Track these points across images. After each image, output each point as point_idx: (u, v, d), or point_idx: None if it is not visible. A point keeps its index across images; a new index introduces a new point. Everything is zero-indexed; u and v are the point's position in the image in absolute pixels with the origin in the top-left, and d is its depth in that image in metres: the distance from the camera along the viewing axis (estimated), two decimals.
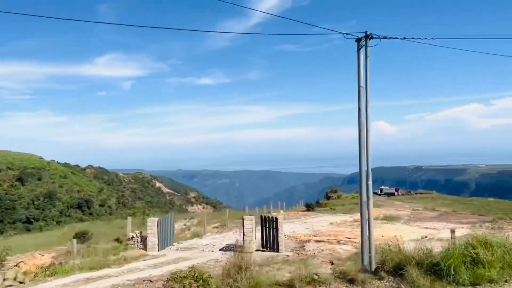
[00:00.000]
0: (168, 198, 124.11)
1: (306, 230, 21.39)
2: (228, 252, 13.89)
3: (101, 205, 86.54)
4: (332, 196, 53.25)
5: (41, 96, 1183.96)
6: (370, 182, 9.96)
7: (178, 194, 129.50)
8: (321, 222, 25.33)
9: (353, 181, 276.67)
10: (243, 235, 15.19)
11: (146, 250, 15.90)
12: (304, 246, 15.93)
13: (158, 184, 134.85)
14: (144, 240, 16.61)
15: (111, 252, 15.36)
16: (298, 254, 14.18)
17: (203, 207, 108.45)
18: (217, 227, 24.28)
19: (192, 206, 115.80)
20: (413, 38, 10.39)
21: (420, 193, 57.02)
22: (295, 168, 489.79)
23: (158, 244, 16.06)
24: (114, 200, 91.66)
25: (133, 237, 17.04)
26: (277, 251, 14.64)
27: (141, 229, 18.79)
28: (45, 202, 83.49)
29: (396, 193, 56.40)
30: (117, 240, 18.45)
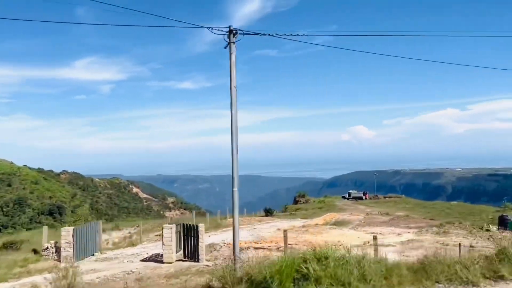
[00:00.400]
0: (145, 203, 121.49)
1: (251, 237, 20.97)
2: (149, 263, 13.53)
3: (73, 212, 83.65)
4: (300, 201, 53.62)
5: (18, 100, 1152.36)
6: (235, 189, 9.64)
7: (156, 200, 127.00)
8: (271, 228, 25.16)
9: (334, 185, 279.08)
10: (162, 244, 14.52)
11: (60, 262, 14.90)
12: (242, 253, 15.62)
13: (135, 190, 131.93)
14: (59, 251, 15.72)
15: (18, 264, 14.45)
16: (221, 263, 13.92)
17: (181, 213, 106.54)
18: (159, 235, 23.42)
19: (170, 211, 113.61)
20: (277, 34, 9.99)
21: (389, 197, 57.87)
22: (277, 173, 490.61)
23: (73, 255, 15.17)
24: (87, 206, 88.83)
25: (47, 247, 16.13)
26: (197, 260, 14.15)
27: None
28: (14, 209, 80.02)
29: (364, 197, 56.79)
30: (34, 251, 17.33)
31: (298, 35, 9.95)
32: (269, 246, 16.96)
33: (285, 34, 9.90)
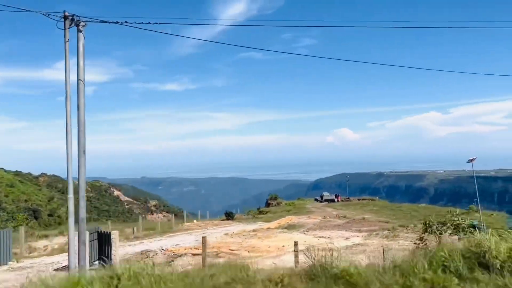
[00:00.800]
0: (126, 206, 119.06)
1: (195, 242, 20.23)
2: (61, 272, 12.61)
3: (50, 215, 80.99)
4: (272, 204, 53.30)
5: None
6: (71, 196, 8.92)
7: (137, 203, 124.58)
8: (221, 233, 24.59)
9: (318, 187, 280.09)
10: (68, 252, 13.69)
11: None
12: (173, 260, 14.85)
13: (116, 192, 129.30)
14: None
15: None
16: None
17: (163, 215, 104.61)
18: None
19: (152, 214, 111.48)
20: (126, 22, 9.15)
21: (363, 199, 58.11)
22: (262, 175, 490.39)
23: None
24: (64, 209, 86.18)
25: None
26: None
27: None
28: None
29: (336, 200, 56.63)
30: None
31: (150, 23, 9.17)
32: (208, 252, 16.64)
33: (135, 22, 9.15)
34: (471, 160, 15.32)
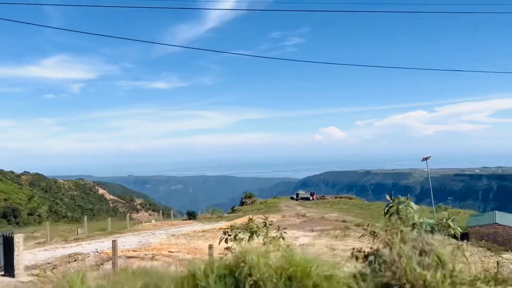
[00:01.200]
0: (111, 205, 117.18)
1: (138, 243, 19.59)
2: None
3: (30, 214, 79.09)
4: (246, 202, 52.81)
5: None
6: None
7: (123, 201, 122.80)
8: (171, 234, 23.87)
9: (306, 185, 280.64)
10: None
11: None
12: (103, 264, 14.27)
13: (101, 191, 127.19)
14: None
15: None
16: (43, 278, 12.61)
17: (149, 214, 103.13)
18: (42, 242, 21.14)
19: (138, 213, 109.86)
20: None
21: (340, 197, 58.22)
22: (250, 173, 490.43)
23: None
24: (45, 208, 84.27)
25: None
26: (13, 276, 12.85)
27: None
28: None
29: (311, 198, 56.34)
30: None
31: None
32: (145, 255, 16.01)
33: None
34: (426, 159, 14.94)
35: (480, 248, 20.16)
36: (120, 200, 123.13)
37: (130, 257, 15.19)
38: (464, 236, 23.57)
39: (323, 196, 58.56)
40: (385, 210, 5.48)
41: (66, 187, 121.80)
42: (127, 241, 20.22)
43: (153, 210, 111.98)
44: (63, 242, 20.27)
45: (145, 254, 15.71)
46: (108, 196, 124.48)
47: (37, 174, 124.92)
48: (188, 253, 15.90)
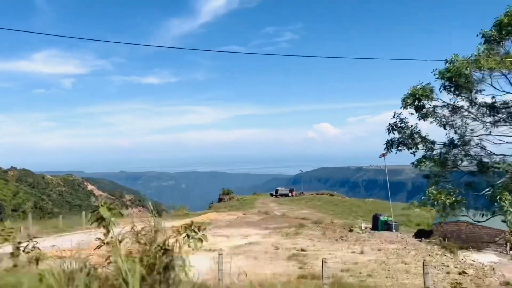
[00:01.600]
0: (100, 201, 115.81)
1: (76, 243, 18.68)
2: None
3: (14, 210, 77.39)
4: (224, 199, 52.40)
5: None
6: None
7: (112, 197, 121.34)
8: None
9: (298, 181, 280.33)
10: None
11: None
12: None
13: (90, 187, 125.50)
14: None
15: None
16: None
17: (139, 210, 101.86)
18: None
19: (127, 209, 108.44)
20: None
21: (322, 194, 58.01)
22: (242, 169, 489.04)
23: None
24: (30, 204, 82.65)
25: None
26: None
27: None
28: None
29: (290, 194, 55.71)
30: None
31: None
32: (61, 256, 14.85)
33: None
34: (383, 155, 14.26)
35: (436, 246, 19.82)
36: (109, 196, 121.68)
37: (61, 257, 14.26)
38: (429, 234, 22.84)
39: (302, 193, 58.09)
40: None
41: (54, 183, 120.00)
42: (69, 241, 19.38)
43: (143, 207, 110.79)
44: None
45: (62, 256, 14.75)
46: (97, 192, 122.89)
47: (24, 169, 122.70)
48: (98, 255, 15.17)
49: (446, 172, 9.45)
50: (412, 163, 9.69)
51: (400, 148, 9.77)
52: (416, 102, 9.30)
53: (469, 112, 9.25)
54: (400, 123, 9.82)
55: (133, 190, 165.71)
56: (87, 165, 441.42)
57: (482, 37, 8.94)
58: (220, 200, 50.18)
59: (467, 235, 21.71)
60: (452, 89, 8.95)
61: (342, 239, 20.81)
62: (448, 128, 9.51)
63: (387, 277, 14.09)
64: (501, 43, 8.66)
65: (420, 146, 9.60)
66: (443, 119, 9.48)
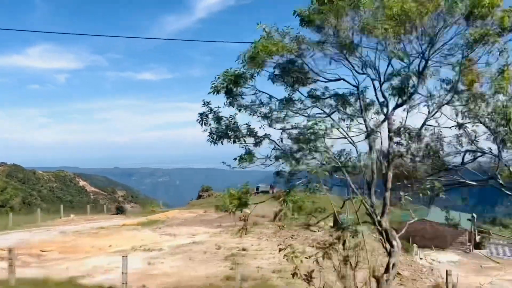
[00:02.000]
0: (92, 197, 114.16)
1: (19, 240, 18.77)
2: None
3: (1, 206, 75.46)
4: (203, 196, 51.26)
5: None
6: None
7: (104, 193, 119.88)
8: (61, 231, 22.60)
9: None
10: None
11: None
12: None
13: (82, 183, 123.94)
14: None
15: None
16: None
17: (131, 206, 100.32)
18: None
19: (120, 205, 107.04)
20: None
21: None
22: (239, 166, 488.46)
23: None
24: (18, 200, 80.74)
25: None
26: None
27: None
28: None
29: (270, 191, 54.03)
30: None
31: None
32: None
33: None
34: None
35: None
36: (101, 192, 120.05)
37: (3, 257, 13.43)
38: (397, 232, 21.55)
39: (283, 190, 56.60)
40: None
41: (46, 178, 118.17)
42: (12, 238, 18.94)
43: (135, 203, 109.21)
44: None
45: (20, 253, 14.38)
46: (89, 188, 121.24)
47: (14, 165, 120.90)
48: (60, 252, 15.23)
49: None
50: (235, 159, 8.82)
51: (221, 140, 8.66)
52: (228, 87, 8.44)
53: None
54: (210, 113, 8.68)
55: (126, 186, 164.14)
56: (82, 161, 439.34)
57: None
58: (199, 197, 49.26)
59: (431, 234, 21.78)
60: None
61: (292, 238, 20.23)
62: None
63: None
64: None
65: (248, 140, 8.57)
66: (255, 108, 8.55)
